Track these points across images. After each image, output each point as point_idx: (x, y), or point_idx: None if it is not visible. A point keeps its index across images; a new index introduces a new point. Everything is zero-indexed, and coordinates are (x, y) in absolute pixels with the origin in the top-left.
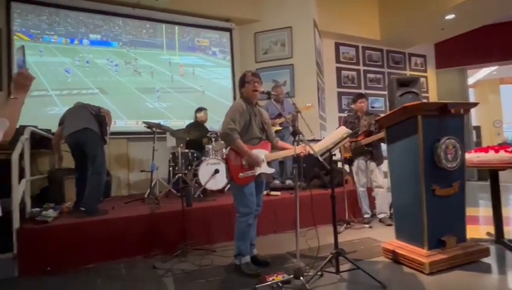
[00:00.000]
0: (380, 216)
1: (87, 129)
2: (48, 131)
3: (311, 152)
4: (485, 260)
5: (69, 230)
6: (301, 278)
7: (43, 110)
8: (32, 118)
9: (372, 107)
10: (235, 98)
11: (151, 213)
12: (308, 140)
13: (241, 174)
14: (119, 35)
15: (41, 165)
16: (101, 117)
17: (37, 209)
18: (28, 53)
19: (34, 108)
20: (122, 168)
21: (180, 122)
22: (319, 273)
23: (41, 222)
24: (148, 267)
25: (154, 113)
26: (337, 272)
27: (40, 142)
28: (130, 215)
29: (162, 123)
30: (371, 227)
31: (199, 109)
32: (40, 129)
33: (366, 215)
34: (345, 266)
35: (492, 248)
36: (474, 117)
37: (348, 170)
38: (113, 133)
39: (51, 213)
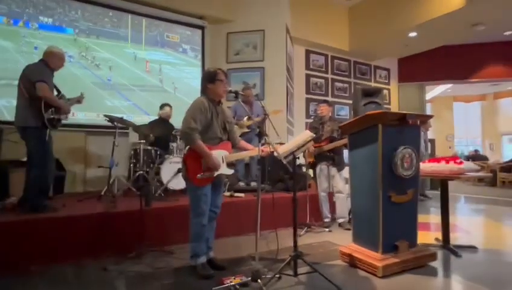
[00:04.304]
0: (340, 220)
1: (17, 127)
2: None
3: (275, 154)
4: (433, 263)
5: (10, 228)
6: (259, 280)
7: None
8: None
9: (338, 115)
10: None
11: (106, 212)
12: (276, 143)
13: (199, 175)
14: (76, 21)
15: None
16: (34, 100)
17: None
18: None
19: None
20: (78, 163)
21: (145, 118)
22: (277, 275)
23: None
24: (99, 269)
25: (114, 109)
26: (295, 274)
27: None
28: (82, 214)
29: (125, 118)
30: (330, 231)
31: (162, 106)
32: None
33: (326, 219)
34: (303, 269)
35: (440, 253)
36: (430, 130)
37: (312, 175)
38: (70, 125)
39: None
